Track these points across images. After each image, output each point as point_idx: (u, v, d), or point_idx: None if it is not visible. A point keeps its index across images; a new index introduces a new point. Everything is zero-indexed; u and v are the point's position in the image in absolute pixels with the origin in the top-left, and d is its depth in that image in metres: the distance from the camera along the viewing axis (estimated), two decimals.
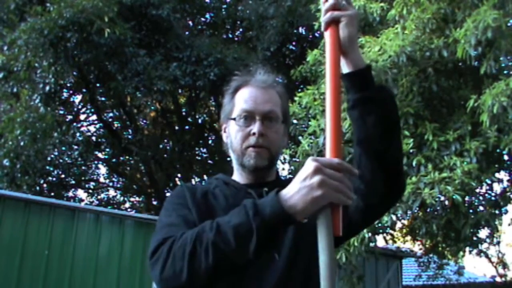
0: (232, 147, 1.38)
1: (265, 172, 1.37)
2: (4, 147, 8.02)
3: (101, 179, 13.37)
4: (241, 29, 11.59)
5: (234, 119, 1.37)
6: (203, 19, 11.64)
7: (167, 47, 9.48)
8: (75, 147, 10.16)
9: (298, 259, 1.23)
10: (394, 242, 11.79)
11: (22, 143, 7.97)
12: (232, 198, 1.33)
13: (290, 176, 6.24)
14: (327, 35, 1.17)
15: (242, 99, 1.37)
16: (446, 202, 4.92)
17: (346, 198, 0.98)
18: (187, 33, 10.44)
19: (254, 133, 1.32)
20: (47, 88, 8.47)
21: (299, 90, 6.59)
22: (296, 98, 5.78)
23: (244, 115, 1.35)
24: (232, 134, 1.37)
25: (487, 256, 11.96)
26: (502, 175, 6.16)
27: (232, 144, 1.37)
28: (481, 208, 5.74)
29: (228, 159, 1.46)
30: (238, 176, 1.41)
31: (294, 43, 10.02)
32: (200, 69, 8.96)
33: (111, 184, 13.52)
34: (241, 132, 1.34)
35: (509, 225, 8.14)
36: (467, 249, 6.72)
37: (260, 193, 1.30)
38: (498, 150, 5.11)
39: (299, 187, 0.99)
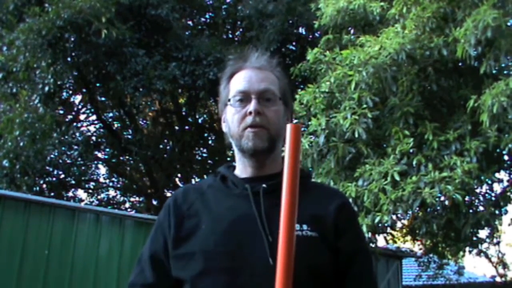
0: (231, 132, 1.31)
1: (266, 156, 1.29)
2: (3, 147, 8.01)
3: (101, 179, 13.38)
4: (241, 29, 11.60)
5: (229, 100, 1.31)
6: (202, 19, 11.63)
7: (166, 46, 9.48)
8: (75, 147, 10.17)
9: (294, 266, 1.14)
10: (394, 242, 11.79)
11: (21, 144, 7.96)
12: (224, 199, 1.28)
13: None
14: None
15: (237, 81, 1.32)
16: (446, 202, 4.91)
17: None
18: (186, 33, 10.44)
19: (250, 112, 1.26)
20: (46, 88, 8.46)
21: (299, 89, 6.58)
22: (296, 96, 5.78)
23: (239, 96, 1.29)
24: (229, 118, 1.31)
25: (487, 256, 11.96)
26: (502, 175, 6.16)
27: (230, 129, 1.31)
28: (481, 208, 5.73)
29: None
30: (240, 166, 1.34)
31: (294, 43, 10.01)
32: (199, 68, 8.95)
33: (111, 184, 13.52)
34: (237, 114, 1.28)
35: (509, 225, 8.14)
36: (467, 249, 6.71)
37: (257, 190, 1.25)
38: (498, 150, 5.12)
39: None
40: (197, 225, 1.24)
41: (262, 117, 1.26)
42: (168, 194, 11.44)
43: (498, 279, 13.34)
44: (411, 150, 5.02)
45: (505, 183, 6.14)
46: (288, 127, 1.09)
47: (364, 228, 4.84)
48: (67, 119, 11.11)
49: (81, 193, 12.67)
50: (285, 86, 1.37)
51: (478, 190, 5.57)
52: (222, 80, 1.38)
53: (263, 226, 1.19)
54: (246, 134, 1.27)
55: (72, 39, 7.99)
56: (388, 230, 8.44)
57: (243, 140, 1.27)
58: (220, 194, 1.30)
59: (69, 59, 8.50)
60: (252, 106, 1.26)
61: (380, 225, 4.95)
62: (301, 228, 1.18)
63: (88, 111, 12.52)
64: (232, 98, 1.30)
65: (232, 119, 1.30)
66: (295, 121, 5.84)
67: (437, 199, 4.68)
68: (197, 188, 1.36)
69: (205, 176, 12.25)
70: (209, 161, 12.69)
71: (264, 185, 1.25)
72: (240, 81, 1.31)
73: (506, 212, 6.23)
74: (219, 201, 1.28)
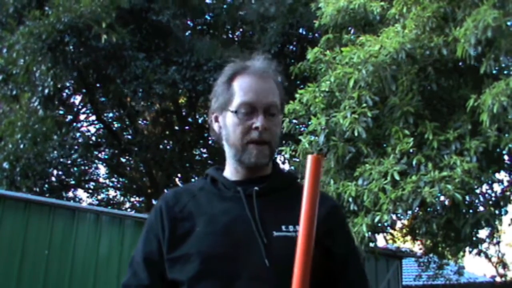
0: (229, 140, 1.29)
1: (264, 168, 1.31)
2: (4, 150, 8.01)
3: (101, 179, 13.39)
4: (241, 29, 11.58)
5: (235, 112, 1.27)
6: (203, 19, 11.61)
7: (167, 51, 9.48)
8: (75, 147, 10.16)
9: (289, 267, 1.12)
10: (394, 242, 11.80)
11: (21, 146, 7.96)
12: (216, 201, 1.27)
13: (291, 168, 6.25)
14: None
15: (242, 89, 1.28)
16: (446, 202, 4.91)
17: None
18: (187, 33, 10.43)
19: (256, 127, 1.24)
20: (46, 91, 8.45)
21: (299, 88, 6.60)
22: (297, 95, 5.78)
23: (246, 108, 1.26)
24: (230, 127, 1.28)
25: (487, 256, 11.93)
26: (502, 175, 6.15)
27: (229, 138, 1.29)
28: (481, 208, 5.73)
29: None
30: (231, 170, 1.33)
31: (294, 43, 10.01)
32: (199, 74, 8.96)
33: (111, 184, 13.53)
34: (241, 125, 1.26)
35: (509, 225, 8.12)
36: (467, 249, 6.70)
37: (249, 193, 1.25)
38: (498, 150, 5.11)
39: None
40: (191, 227, 1.23)
41: (267, 132, 1.25)
42: (169, 190, 11.42)
43: (498, 279, 13.33)
44: (411, 150, 5.01)
45: (505, 183, 6.13)
46: (309, 158, 1.06)
47: (364, 228, 4.84)
48: (67, 120, 11.12)
49: (81, 193, 12.69)
50: (283, 93, 1.36)
51: (478, 190, 5.56)
52: (222, 80, 1.33)
53: (257, 228, 1.19)
54: (250, 149, 1.25)
55: (72, 43, 7.99)
56: (388, 229, 8.43)
57: (245, 154, 1.26)
58: (212, 196, 1.29)
59: (68, 62, 8.49)
60: (259, 121, 1.24)
61: (380, 224, 4.95)
62: (294, 229, 1.19)
63: (88, 111, 12.53)
64: (237, 108, 1.26)
65: (235, 129, 1.27)
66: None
67: (437, 198, 4.67)
68: (187, 191, 1.35)
69: None
70: (209, 161, 12.69)
71: (256, 188, 1.25)
72: (246, 90, 1.27)
73: (506, 212, 6.22)
74: (212, 204, 1.27)
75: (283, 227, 1.20)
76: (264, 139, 1.25)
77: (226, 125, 1.30)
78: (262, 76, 1.30)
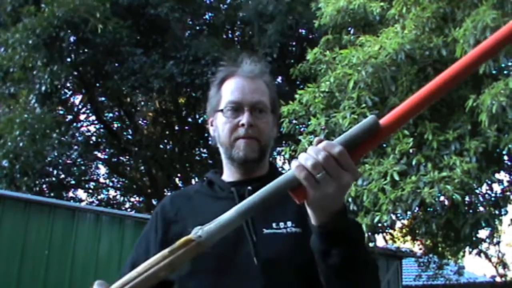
0: (220, 140, 1.33)
1: (255, 165, 1.32)
2: (3, 148, 8.00)
3: (101, 179, 13.39)
4: (240, 29, 11.58)
5: (221, 110, 1.31)
6: (202, 20, 11.61)
7: (165, 46, 9.47)
8: (75, 147, 10.17)
9: (277, 264, 1.17)
10: (394, 242, 11.80)
11: (21, 144, 7.95)
12: (210, 203, 1.30)
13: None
14: None
15: (229, 90, 1.32)
16: (446, 202, 4.92)
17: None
18: (186, 34, 10.42)
19: (243, 124, 1.27)
20: (43, 88, 8.44)
21: (299, 89, 6.60)
22: (296, 96, 5.79)
23: (232, 106, 1.29)
24: (220, 126, 1.32)
25: (487, 256, 11.95)
26: (502, 175, 6.16)
27: (220, 137, 1.32)
28: (481, 208, 5.74)
29: None
30: (227, 171, 1.36)
31: (294, 43, 10.00)
32: (197, 67, 8.95)
33: (111, 184, 13.53)
34: (229, 123, 1.29)
35: (509, 225, 8.13)
36: (467, 249, 6.72)
37: (243, 192, 1.26)
38: (497, 150, 5.12)
39: None
40: (184, 229, 1.24)
41: (254, 129, 1.27)
42: (168, 194, 11.44)
43: (498, 279, 13.34)
44: (410, 150, 5.02)
45: (505, 184, 6.14)
46: None
47: (364, 228, 4.85)
48: (67, 119, 11.11)
49: (81, 193, 12.70)
50: (274, 93, 1.38)
51: (477, 190, 5.57)
52: (213, 84, 1.38)
53: (247, 226, 1.20)
54: (237, 144, 1.28)
55: (71, 38, 7.99)
56: (388, 229, 8.44)
57: (234, 150, 1.29)
58: (207, 198, 1.32)
59: (65, 58, 8.48)
60: (245, 118, 1.27)
61: (379, 224, 4.96)
62: (285, 226, 1.20)
63: (88, 111, 12.53)
64: (224, 107, 1.31)
65: (223, 128, 1.31)
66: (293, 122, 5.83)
67: (436, 199, 4.68)
68: (184, 194, 1.40)
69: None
70: (209, 161, 12.69)
71: (249, 187, 1.26)
72: (232, 90, 1.31)
73: (506, 212, 6.22)
74: (205, 206, 1.30)
75: (274, 225, 1.21)
76: (251, 135, 1.27)
77: (217, 125, 1.34)
78: (249, 77, 1.33)
